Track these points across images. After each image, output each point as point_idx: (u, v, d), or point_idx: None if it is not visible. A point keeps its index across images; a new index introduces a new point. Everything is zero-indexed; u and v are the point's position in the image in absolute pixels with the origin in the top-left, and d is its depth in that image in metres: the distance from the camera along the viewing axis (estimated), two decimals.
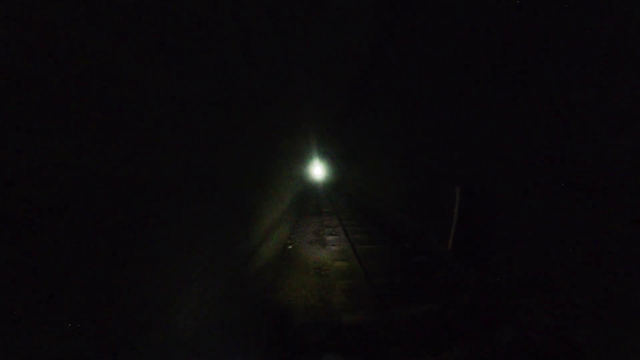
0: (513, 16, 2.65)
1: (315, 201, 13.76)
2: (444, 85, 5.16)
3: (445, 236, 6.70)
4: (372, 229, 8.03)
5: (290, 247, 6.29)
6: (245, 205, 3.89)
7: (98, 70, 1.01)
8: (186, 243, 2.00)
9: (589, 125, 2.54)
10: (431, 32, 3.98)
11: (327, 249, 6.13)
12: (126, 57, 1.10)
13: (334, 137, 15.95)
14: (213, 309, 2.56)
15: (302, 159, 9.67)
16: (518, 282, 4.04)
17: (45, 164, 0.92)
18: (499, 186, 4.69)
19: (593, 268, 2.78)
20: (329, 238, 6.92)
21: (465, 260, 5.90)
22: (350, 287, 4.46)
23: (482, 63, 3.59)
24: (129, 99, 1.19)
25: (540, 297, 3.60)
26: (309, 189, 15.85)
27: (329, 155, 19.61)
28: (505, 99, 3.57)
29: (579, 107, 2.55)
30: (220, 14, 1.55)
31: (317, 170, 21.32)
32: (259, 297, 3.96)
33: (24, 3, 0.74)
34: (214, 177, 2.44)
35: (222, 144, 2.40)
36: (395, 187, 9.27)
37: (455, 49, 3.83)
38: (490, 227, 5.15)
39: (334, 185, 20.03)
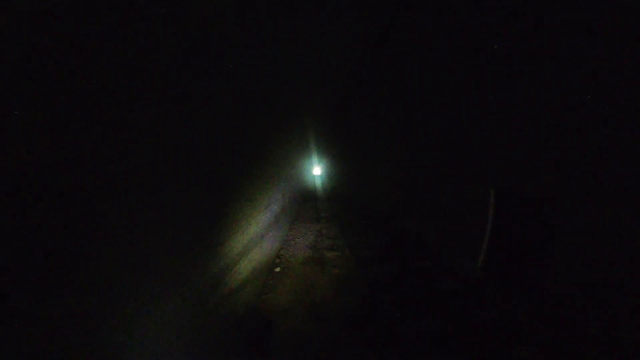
0: None
1: (313, 204, 12.25)
2: (471, 68, 3.68)
3: (470, 249, 5.26)
4: (380, 241, 6.52)
5: (278, 268, 4.77)
6: (216, 211, 2.52)
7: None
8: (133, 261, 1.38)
9: None
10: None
11: (327, 273, 4.61)
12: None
13: (334, 136, 14.51)
14: None
15: (299, 159, 8.20)
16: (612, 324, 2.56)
17: None
18: (562, 190, 3.26)
19: None
20: (329, 255, 5.40)
21: (505, 285, 4.42)
22: (364, 342, 2.93)
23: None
24: None
25: None
26: (306, 191, 14.34)
27: (328, 155, 18.15)
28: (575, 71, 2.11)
29: None
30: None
31: (316, 170, 19.84)
32: None
33: None
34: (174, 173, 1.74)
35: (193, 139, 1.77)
36: (404, 190, 7.80)
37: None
38: (544, 242, 3.71)
39: (333, 187, 18.54)
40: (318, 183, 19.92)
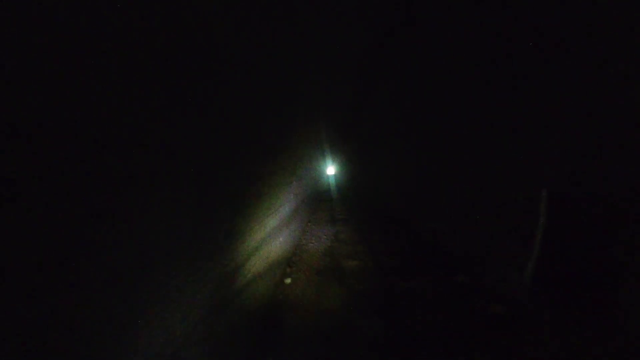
0: None
1: (328, 204, 11.58)
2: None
3: (514, 261, 4.44)
4: (405, 247, 5.73)
5: (288, 280, 4.12)
6: (209, 216, 2.08)
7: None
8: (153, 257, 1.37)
9: None
10: None
11: (347, 288, 3.91)
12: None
13: (348, 134, 13.77)
14: None
15: (312, 157, 7.58)
16: None
17: None
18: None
19: None
20: (349, 264, 4.70)
21: (566, 312, 3.59)
22: None
23: None
24: None
25: None
26: (320, 190, 13.67)
27: (343, 154, 17.42)
28: None
29: None
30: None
31: (330, 170, 19.16)
32: None
33: None
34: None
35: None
36: (427, 189, 6.95)
37: None
38: (617, 254, 2.93)
39: (349, 186, 17.77)
40: (332, 182, 19.22)
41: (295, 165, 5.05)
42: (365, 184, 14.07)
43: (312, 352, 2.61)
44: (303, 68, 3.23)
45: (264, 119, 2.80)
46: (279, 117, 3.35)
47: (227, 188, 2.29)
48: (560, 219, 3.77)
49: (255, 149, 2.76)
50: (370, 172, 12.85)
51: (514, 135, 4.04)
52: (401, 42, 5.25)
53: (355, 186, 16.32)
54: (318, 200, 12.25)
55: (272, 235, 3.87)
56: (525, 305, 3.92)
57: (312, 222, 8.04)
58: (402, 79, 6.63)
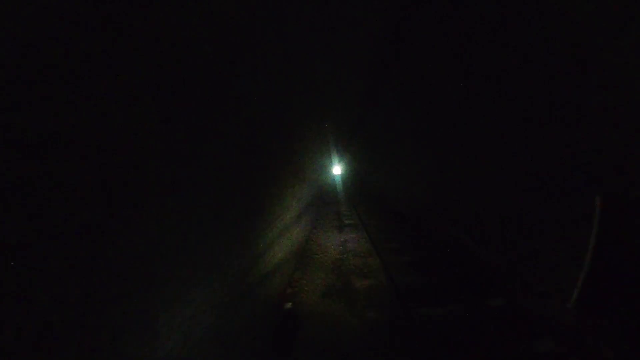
0: None
1: (334, 208, 10.87)
2: None
3: (555, 277, 3.75)
4: (424, 259, 5.00)
5: (289, 304, 3.45)
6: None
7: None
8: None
9: None
10: None
11: (359, 316, 3.21)
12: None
13: (356, 132, 13.05)
14: None
15: (316, 157, 6.92)
16: None
17: None
18: None
19: None
20: (360, 284, 3.99)
21: (625, 343, 2.89)
22: None
23: None
24: None
25: None
26: (325, 192, 12.97)
27: (350, 153, 16.69)
28: None
29: None
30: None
31: (336, 170, 18.45)
32: None
33: None
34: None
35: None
36: (448, 192, 6.19)
37: None
38: None
39: (356, 188, 17.02)
40: (339, 183, 18.50)
41: (298, 168, 4.38)
42: (374, 184, 13.29)
43: None
44: (310, 70, 2.72)
45: (269, 127, 2.23)
46: (284, 127, 2.74)
47: (223, 196, 1.66)
48: (616, 228, 3.02)
49: (256, 151, 2.12)
50: (380, 173, 12.07)
51: (563, 127, 3.27)
52: (412, 39, 4.55)
53: (363, 187, 15.55)
54: (323, 203, 11.55)
55: (272, 249, 3.22)
56: (579, 337, 3.17)
57: (318, 228, 7.36)
58: (414, 76, 5.90)
